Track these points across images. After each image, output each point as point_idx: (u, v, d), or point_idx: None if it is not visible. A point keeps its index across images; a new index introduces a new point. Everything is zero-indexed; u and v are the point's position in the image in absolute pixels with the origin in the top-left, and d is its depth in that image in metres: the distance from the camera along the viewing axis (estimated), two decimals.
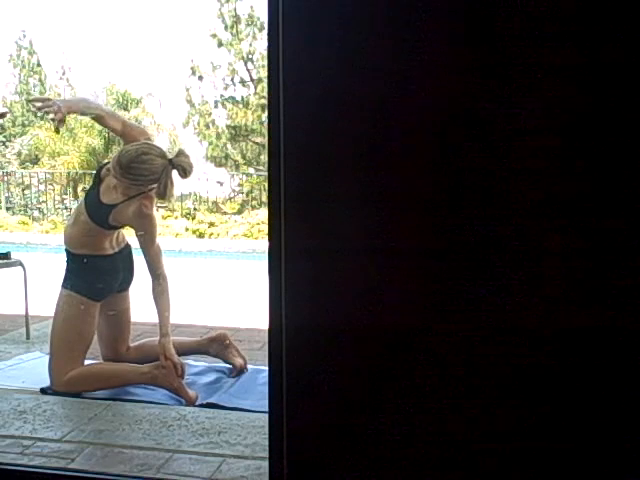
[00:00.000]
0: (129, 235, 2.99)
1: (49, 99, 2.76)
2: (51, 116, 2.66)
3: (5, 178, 13.79)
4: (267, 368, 1.29)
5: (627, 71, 1.09)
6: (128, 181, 2.65)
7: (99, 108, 2.98)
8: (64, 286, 2.79)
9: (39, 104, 2.77)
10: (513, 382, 1.19)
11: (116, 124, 2.85)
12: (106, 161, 2.97)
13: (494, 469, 1.22)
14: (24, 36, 17.79)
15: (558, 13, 1.10)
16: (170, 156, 2.71)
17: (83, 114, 3.05)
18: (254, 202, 12.87)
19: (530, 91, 1.12)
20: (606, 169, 1.12)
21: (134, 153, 2.64)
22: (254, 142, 14.07)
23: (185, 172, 2.70)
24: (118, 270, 2.88)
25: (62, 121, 2.68)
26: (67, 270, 2.82)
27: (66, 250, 2.85)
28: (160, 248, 2.80)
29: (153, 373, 2.71)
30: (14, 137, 16.53)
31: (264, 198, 12.01)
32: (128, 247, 2.96)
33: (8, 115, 16.68)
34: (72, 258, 2.82)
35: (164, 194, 2.68)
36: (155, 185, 2.67)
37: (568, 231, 1.14)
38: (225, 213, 12.86)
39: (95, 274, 2.80)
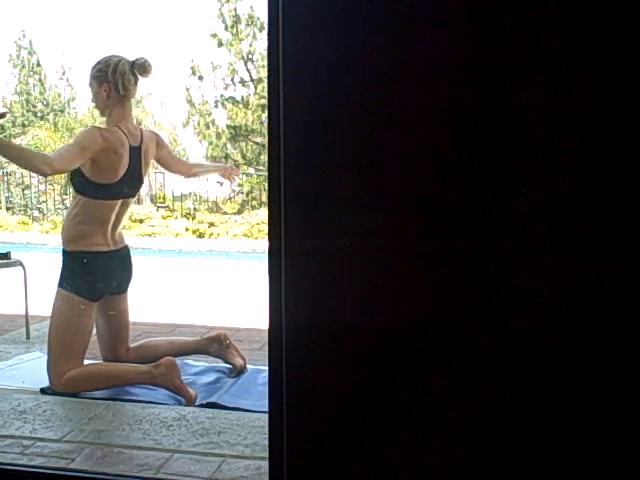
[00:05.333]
0: (127, 235, 2.99)
1: None
2: None
3: (5, 178, 13.79)
4: (267, 368, 1.29)
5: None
6: (92, 71, 2.87)
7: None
8: (60, 286, 2.78)
9: None
10: (515, 381, 1.19)
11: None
12: None
13: (496, 468, 1.22)
14: (24, 36, 17.79)
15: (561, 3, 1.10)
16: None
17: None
18: (254, 202, 12.88)
19: (533, 87, 1.12)
20: (612, 168, 1.12)
21: None
22: (254, 142, 14.07)
23: (143, 57, 2.90)
24: (115, 270, 2.88)
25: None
26: (63, 269, 2.81)
27: (62, 250, 2.85)
28: (71, 156, 2.74)
29: (152, 372, 2.71)
30: (14, 137, 16.53)
31: (264, 198, 12.02)
32: (126, 248, 2.96)
33: (8, 115, 16.67)
34: (67, 257, 2.82)
35: (118, 78, 2.83)
36: (111, 70, 2.84)
37: (573, 227, 1.14)
38: (225, 213, 12.86)
39: (92, 273, 2.80)
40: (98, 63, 2.86)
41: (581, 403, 1.18)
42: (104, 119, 2.89)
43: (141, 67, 2.86)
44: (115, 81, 2.82)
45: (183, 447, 2.15)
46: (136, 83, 2.89)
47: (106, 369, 2.86)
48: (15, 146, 2.72)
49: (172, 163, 3.28)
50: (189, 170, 3.40)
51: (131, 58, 2.90)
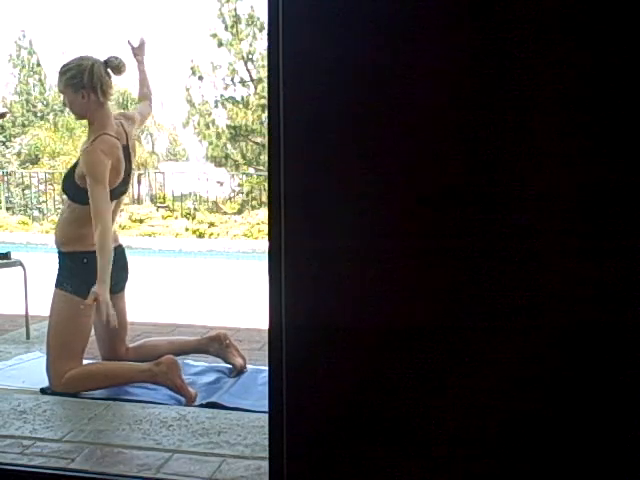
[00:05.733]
0: (124, 235, 2.99)
1: None
2: None
3: (5, 178, 13.79)
4: (267, 368, 1.29)
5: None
6: (64, 76, 2.79)
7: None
8: (57, 286, 2.78)
9: None
10: (516, 382, 1.19)
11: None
12: None
13: (497, 470, 1.22)
14: (24, 36, 17.82)
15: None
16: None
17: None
18: (254, 202, 12.88)
19: (533, 90, 1.12)
20: (612, 168, 1.12)
21: None
22: (254, 142, 14.08)
23: (117, 59, 2.83)
24: (112, 269, 2.87)
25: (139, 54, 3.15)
26: (60, 270, 2.81)
27: (58, 251, 2.84)
28: (105, 188, 2.73)
29: (153, 371, 2.71)
30: (14, 137, 16.54)
31: (264, 198, 12.03)
32: (121, 247, 2.96)
33: (8, 115, 16.68)
34: (65, 257, 2.81)
35: (96, 84, 2.77)
36: (87, 76, 2.76)
37: (573, 227, 1.14)
38: (225, 213, 12.87)
39: (90, 273, 2.80)
40: (69, 69, 2.78)
41: (582, 403, 1.18)
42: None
43: (116, 68, 2.83)
44: (94, 86, 2.76)
45: (183, 447, 2.15)
46: (111, 84, 2.86)
47: (106, 368, 2.86)
48: (102, 267, 2.72)
49: (141, 119, 3.22)
50: (148, 109, 3.27)
51: (102, 58, 2.83)
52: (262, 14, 13.33)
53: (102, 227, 2.67)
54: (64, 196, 2.96)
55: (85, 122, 2.89)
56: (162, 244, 10.18)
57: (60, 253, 2.83)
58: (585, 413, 1.18)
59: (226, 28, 13.62)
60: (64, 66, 2.81)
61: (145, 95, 3.23)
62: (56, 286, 2.78)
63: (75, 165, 2.81)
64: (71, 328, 2.75)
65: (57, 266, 2.82)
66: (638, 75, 1.09)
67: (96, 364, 2.90)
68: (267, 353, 1.27)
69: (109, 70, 2.82)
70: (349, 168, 1.20)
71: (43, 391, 2.71)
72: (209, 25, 15.31)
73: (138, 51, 3.15)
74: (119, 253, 2.92)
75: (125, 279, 2.96)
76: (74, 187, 2.77)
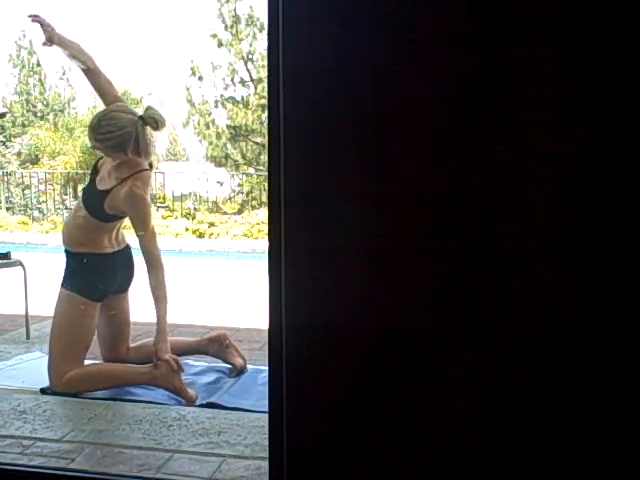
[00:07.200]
0: (128, 235, 2.99)
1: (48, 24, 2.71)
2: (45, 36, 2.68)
3: (5, 178, 13.79)
4: (267, 368, 1.29)
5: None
6: (102, 143, 2.70)
7: (91, 60, 2.84)
8: (63, 286, 2.78)
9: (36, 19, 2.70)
10: (515, 381, 1.19)
11: (103, 81, 2.88)
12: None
13: (496, 469, 1.22)
14: (24, 36, 17.80)
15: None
16: (140, 113, 2.76)
17: (72, 56, 2.83)
18: (254, 202, 12.88)
19: (533, 89, 1.12)
20: (610, 168, 1.12)
21: (102, 112, 2.75)
22: (254, 142, 14.07)
23: (157, 123, 2.74)
24: (118, 270, 2.88)
25: (51, 41, 2.75)
26: (67, 270, 2.82)
27: (65, 250, 2.85)
28: (155, 233, 2.81)
29: (153, 373, 2.71)
30: (14, 137, 16.53)
31: (264, 198, 12.03)
32: (128, 247, 2.96)
33: (8, 115, 16.68)
34: (72, 258, 2.82)
35: (142, 150, 2.71)
36: (131, 145, 2.69)
37: (572, 229, 1.14)
38: (225, 213, 12.87)
39: (95, 274, 2.80)
40: (109, 137, 2.66)
41: (581, 403, 1.18)
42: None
43: (155, 128, 2.75)
44: (139, 151, 2.71)
45: (183, 447, 2.15)
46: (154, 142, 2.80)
47: (106, 369, 2.86)
48: (160, 316, 2.74)
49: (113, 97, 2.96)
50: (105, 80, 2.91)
51: (139, 112, 2.73)
52: (262, 14, 13.33)
53: (158, 275, 2.71)
54: (79, 203, 2.94)
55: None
56: (162, 244, 10.16)
57: (68, 253, 2.84)
58: (585, 415, 1.18)
59: (226, 28, 13.62)
60: (101, 131, 2.68)
61: (89, 68, 2.85)
62: (61, 285, 2.80)
63: (105, 192, 2.76)
64: (74, 328, 2.76)
65: (64, 266, 2.83)
66: (633, 82, 1.09)
67: (97, 365, 2.91)
68: (267, 353, 1.27)
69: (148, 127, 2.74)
70: (349, 168, 1.20)
71: (43, 391, 2.71)
72: (209, 25, 15.31)
73: (47, 30, 2.74)
74: (126, 254, 2.93)
75: (130, 279, 2.97)
76: (102, 212, 2.77)
